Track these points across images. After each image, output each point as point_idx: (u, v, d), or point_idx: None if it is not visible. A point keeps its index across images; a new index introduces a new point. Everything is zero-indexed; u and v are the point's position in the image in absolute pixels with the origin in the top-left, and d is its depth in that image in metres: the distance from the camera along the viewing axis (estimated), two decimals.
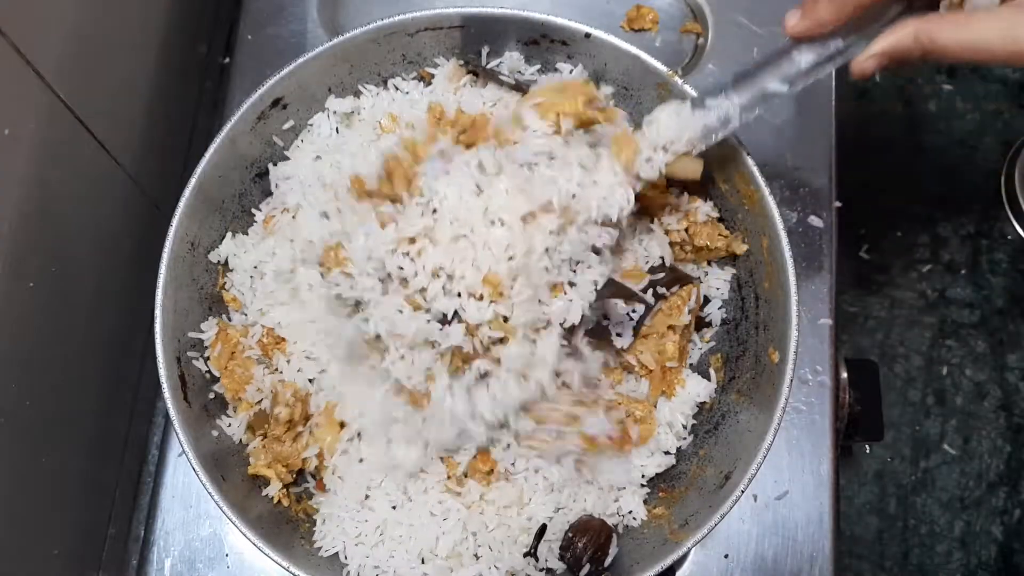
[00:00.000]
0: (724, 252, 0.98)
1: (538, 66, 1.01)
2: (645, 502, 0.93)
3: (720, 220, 0.99)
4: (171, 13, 1.14)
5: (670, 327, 0.94)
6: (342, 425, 0.91)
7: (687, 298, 0.95)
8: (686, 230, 0.97)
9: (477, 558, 0.89)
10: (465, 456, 0.90)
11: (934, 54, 0.72)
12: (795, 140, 1.14)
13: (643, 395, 0.95)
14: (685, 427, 0.96)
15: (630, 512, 0.92)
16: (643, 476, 0.94)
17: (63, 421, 0.95)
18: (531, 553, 0.88)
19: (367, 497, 0.90)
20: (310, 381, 0.93)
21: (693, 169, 0.89)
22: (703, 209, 0.98)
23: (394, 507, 0.90)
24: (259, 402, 0.92)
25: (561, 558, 0.89)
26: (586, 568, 0.88)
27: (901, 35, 0.73)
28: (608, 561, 0.89)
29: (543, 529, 0.89)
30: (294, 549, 0.87)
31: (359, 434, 0.91)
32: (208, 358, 0.93)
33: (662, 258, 0.96)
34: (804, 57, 0.81)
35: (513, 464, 0.90)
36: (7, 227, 0.81)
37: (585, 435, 0.88)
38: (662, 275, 0.95)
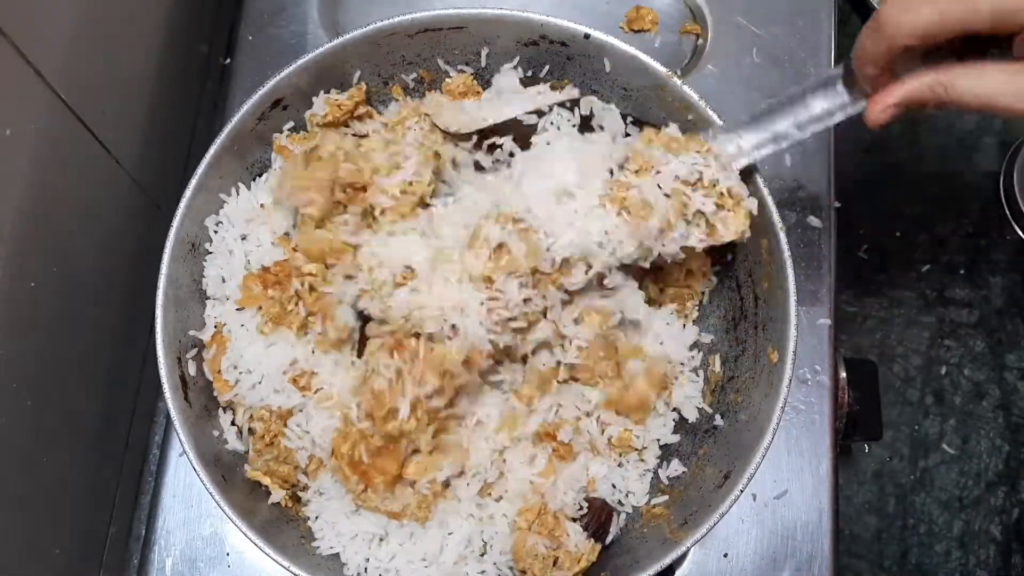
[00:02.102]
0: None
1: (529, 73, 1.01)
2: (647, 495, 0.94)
3: None
4: (172, 13, 1.14)
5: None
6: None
7: (695, 295, 0.96)
8: None
9: (484, 555, 0.89)
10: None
11: (948, 104, 0.74)
12: None
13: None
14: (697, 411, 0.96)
15: (628, 493, 0.93)
16: (658, 442, 0.95)
17: (64, 420, 0.95)
18: None
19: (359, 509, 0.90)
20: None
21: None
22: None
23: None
24: (251, 406, 0.92)
25: None
26: None
27: (917, 85, 0.75)
28: (609, 539, 0.89)
29: None
30: (295, 549, 0.87)
31: None
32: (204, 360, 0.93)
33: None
34: (818, 104, 0.85)
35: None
36: (8, 227, 0.81)
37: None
38: None
